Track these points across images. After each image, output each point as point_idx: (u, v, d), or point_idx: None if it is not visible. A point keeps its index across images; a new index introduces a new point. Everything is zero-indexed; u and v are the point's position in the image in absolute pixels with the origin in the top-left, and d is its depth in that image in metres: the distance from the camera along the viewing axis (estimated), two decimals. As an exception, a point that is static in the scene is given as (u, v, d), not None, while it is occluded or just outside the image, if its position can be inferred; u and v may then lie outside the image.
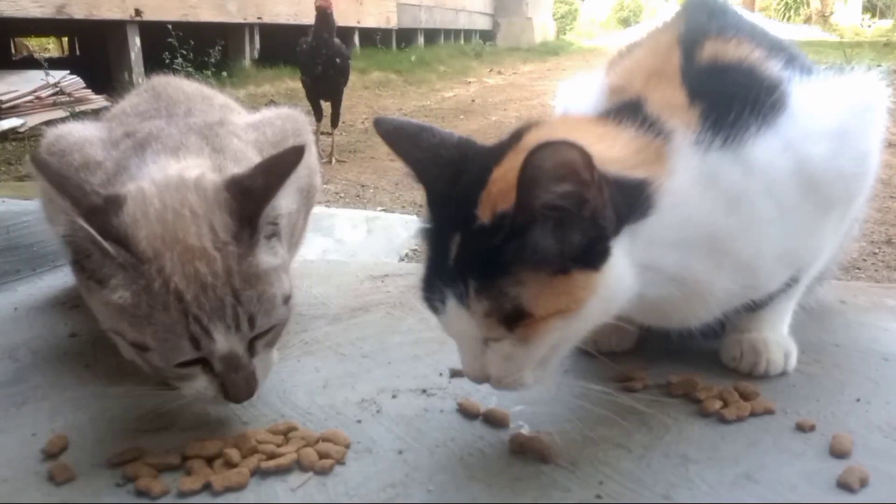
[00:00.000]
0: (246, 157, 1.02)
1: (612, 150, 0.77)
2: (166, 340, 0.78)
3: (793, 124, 0.83)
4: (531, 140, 0.76)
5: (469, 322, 0.74)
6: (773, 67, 0.86)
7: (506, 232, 0.70)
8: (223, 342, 0.79)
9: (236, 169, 0.95)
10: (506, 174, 0.73)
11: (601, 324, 0.80)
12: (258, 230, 0.83)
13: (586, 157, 0.68)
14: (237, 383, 0.81)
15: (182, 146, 0.97)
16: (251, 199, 0.83)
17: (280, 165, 0.85)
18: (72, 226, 0.77)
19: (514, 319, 0.72)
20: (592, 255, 0.73)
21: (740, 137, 0.80)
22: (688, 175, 0.79)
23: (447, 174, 0.79)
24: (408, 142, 0.82)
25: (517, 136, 0.79)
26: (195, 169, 0.91)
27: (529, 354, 0.75)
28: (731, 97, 0.82)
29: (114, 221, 0.79)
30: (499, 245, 0.71)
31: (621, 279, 0.76)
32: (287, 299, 0.86)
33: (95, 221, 0.77)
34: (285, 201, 0.87)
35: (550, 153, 0.66)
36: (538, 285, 0.71)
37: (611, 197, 0.72)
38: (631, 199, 0.75)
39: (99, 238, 0.76)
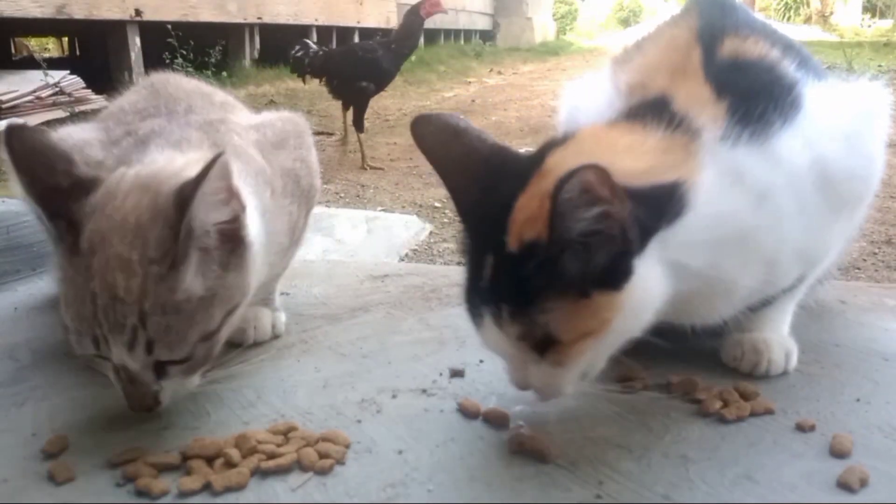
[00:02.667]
0: (246, 152, 1.01)
1: (641, 161, 0.77)
2: (78, 330, 0.80)
3: (810, 124, 0.84)
4: (553, 163, 0.76)
5: (505, 342, 0.77)
6: (789, 67, 0.87)
7: (536, 261, 0.71)
8: (118, 355, 0.79)
9: (238, 163, 0.94)
10: (529, 202, 0.73)
11: (640, 332, 0.81)
12: (183, 245, 0.77)
13: (603, 175, 0.68)
14: (131, 394, 0.81)
15: (184, 140, 0.97)
16: (179, 207, 0.77)
17: (205, 168, 0.77)
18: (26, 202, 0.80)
19: (545, 345, 0.74)
20: (613, 276, 0.73)
21: (766, 132, 0.81)
22: (717, 170, 0.79)
23: (476, 188, 0.80)
24: (440, 150, 0.83)
25: (541, 156, 0.79)
26: (194, 164, 0.86)
27: (565, 376, 0.78)
28: (755, 92, 0.83)
29: (71, 204, 0.79)
30: (528, 273, 0.72)
31: (648, 291, 0.76)
32: (208, 336, 0.81)
33: (50, 202, 0.79)
34: (216, 215, 0.80)
35: (573, 184, 0.67)
36: (564, 311, 0.73)
37: (635, 212, 0.72)
38: (663, 203, 0.75)
39: (43, 216, 0.79)
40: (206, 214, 0.79)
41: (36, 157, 0.81)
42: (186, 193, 0.76)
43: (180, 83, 1.16)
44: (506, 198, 0.76)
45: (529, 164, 0.79)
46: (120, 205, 0.79)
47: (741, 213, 0.80)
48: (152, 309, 0.76)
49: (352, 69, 4.57)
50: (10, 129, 0.81)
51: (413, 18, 4.72)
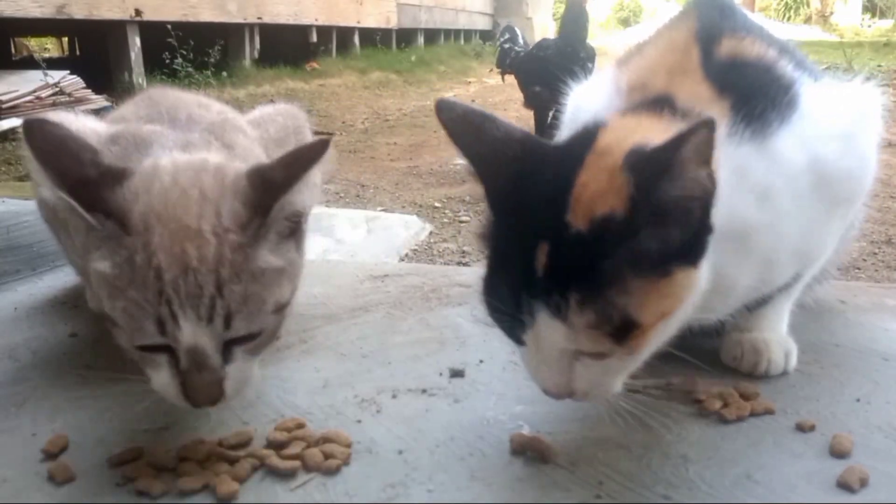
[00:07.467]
0: (253, 154, 1.01)
1: None
2: (133, 317, 0.73)
3: (806, 124, 0.84)
4: (606, 141, 0.73)
5: (567, 337, 0.70)
6: (787, 67, 0.88)
7: (614, 236, 0.67)
8: (189, 333, 0.73)
9: (245, 166, 0.94)
10: (596, 176, 0.70)
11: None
12: (268, 223, 0.78)
13: (713, 138, 0.65)
14: (197, 385, 0.75)
15: (190, 143, 0.95)
16: (267, 189, 0.78)
17: (303, 157, 0.80)
18: (56, 196, 0.75)
19: (623, 331, 0.69)
20: (695, 251, 0.71)
21: (765, 131, 0.81)
22: (727, 167, 0.78)
23: (511, 172, 0.75)
24: (471, 134, 0.76)
25: (589, 137, 0.75)
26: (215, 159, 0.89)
27: (630, 366, 0.74)
28: (754, 92, 0.83)
29: (104, 194, 0.76)
30: (603, 251, 0.67)
31: (705, 275, 0.74)
32: (280, 308, 0.80)
33: (82, 193, 0.74)
34: (302, 197, 0.81)
35: (700, 136, 0.64)
36: (645, 290, 0.68)
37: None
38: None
39: (79, 209, 0.74)
40: (292, 203, 0.80)
41: (61, 151, 0.77)
42: (274, 178, 0.79)
43: (179, 95, 1.16)
44: (560, 178, 0.71)
45: (577, 144, 0.75)
46: (170, 185, 0.78)
47: (743, 211, 0.80)
48: (229, 276, 0.74)
49: (526, 71, 3.97)
50: (30, 125, 0.77)
51: (571, 6, 3.95)
